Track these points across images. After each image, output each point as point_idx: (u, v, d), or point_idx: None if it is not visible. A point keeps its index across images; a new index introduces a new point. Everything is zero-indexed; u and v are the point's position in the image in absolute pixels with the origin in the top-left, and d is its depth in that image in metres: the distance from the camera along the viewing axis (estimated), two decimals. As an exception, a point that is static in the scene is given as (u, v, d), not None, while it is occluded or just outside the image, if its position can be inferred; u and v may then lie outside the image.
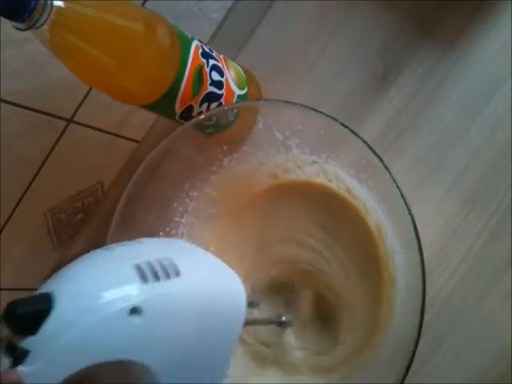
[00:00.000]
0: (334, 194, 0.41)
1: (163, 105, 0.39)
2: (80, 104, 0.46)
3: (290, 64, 0.49)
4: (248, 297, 0.31)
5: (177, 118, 0.40)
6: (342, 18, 0.47)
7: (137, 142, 0.56)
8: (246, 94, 0.44)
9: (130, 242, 0.29)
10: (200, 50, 0.39)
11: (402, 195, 0.32)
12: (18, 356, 0.22)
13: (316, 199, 0.42)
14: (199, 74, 0.39)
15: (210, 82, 0.40)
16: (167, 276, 0.26)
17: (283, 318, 0.40)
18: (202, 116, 0.39)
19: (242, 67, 0.45)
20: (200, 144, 0.43)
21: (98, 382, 0.25)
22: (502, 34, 0.42)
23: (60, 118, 0.46)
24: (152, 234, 0.42)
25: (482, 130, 0.41)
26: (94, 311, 0.23)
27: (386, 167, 0.32)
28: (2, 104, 0.41)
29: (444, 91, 0.43)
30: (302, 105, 0.36)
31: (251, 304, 0.36)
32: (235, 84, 0.43)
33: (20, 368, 0.22)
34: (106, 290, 0.24)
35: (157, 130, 0.55)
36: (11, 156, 0.44)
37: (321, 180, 0.42)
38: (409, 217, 0.31)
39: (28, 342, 0.22)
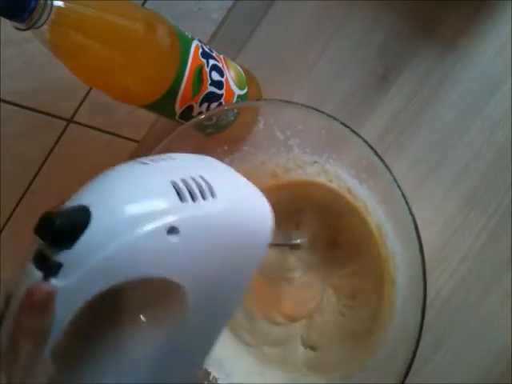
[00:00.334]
0: (335, 193, 0.41)
1: (163, 105, 0.38)
2: (80, 104, 0.46)
3: (290, 64, 0.49)
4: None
5: (177, 117, 0.40)
6: (342, 18, 0.47)
7: (137, 141, 0.56)
8: (246, 93, 0.44)
9: (163, 157, 0.27)
10: (200, 50, 0.39)
11: (403, 195, 0.32)
12: (51, 269, 0.21)
13: (316, 199, 0.42)
14: (199, 73, 0.39)
15: (210, 81, 0.40)
16: (203, 197, 0.25)
17: (298, 240, 0.43)
18: (202, 116, 0.39)
19: (242, 67, 0.45)
20: (200, 144, 0.43)
21: (120, 300, 0.24)
22: (502, 34, 0.42)
23: (60, 118, 0.46)
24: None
25: (481, 130, 0.41)
26: (132, 228, 0.22)
27: (386, 167, 0.32)
28: (2, 104, 0.41)
29: (444, 91, 0.43)
30: (303, 105, 0.36)
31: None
32: (235, 84, 0.43)
33: (52, 281, 0.21)
34: (144, 207, 0.23)
35: (157, 129, 0.55)
36: (11, 156, 0.44)
37: (322, 180, 0.42)
38: (409, 216, 0.31)
39: (62, 256, 0.21)
